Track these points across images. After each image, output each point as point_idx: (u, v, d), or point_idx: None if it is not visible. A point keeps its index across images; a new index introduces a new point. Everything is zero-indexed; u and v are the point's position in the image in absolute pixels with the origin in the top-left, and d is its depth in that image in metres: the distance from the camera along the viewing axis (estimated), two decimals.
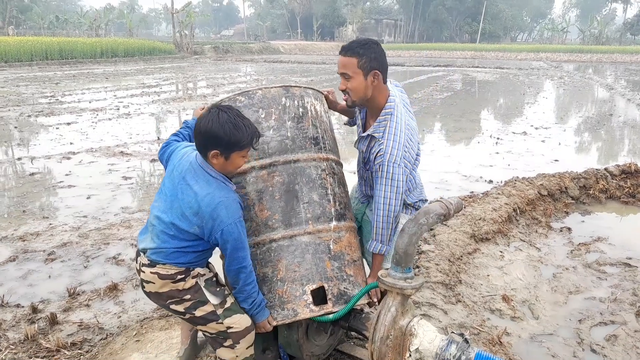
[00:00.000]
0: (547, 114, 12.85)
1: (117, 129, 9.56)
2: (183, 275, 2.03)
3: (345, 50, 2.27)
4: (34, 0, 74.31)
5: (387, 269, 2.14)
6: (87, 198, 5.60)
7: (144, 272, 2.04)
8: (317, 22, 76.61)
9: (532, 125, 10.78)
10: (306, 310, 2.10)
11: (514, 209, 5.18)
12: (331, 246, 2.22)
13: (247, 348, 2.15)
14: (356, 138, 2.57)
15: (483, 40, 72.89)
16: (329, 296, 2.14)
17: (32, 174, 6.57)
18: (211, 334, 2.12)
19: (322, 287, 2.14)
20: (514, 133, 9.94)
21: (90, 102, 13.53)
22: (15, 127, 9.76)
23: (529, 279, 3.95)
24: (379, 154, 2.30)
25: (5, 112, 11.49)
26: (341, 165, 2.53)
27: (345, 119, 2.84)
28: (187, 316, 2.09)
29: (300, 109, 2.34)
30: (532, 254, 4.43)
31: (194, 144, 2.02)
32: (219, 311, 2.07)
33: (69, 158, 7.36)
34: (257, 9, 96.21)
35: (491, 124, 11.37)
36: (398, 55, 48.08)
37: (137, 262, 2.11)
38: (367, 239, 2.67)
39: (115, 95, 14.89)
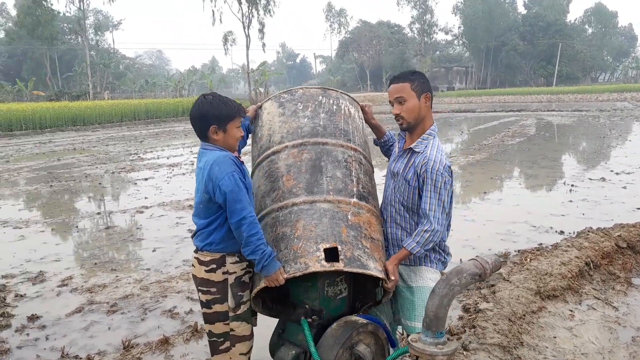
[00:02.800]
0: (630, 157, 11.95)
1: (190, 183, 10.06)
2: (215, 266, 2.27)
3: (397, 78, 2.53)
4: (128, 67, 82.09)
5: (419, 332, 2.03)
6: (153, 251, 5.88)
7: (192, 255, 2.39)
8: (387, 74, 77.93)
9: (612, 171, 10.05)
10: (317, 264, 2.14)
11: (586, 263, 4.77)
12: (349, 217, 2.31)
13: (240, 354, 2.36)
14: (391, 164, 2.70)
15: (560, 83, 70.32)
16: (341, 257, 2.16)
17: (108, 227, 7.04)
18: (213, 334, 2.34)
19: (336, 248, 2.18)
20: (590, 179, 9.31)
21: (168, 158, 14.44)
22: (100, 184, 10.58)
23: (603, 343, 3.57)
24: (423, 163, 2.42)
25: (94, 170, 12.53)
26: (371, 163, 2.69)
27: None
28: (204, 309, 2.34)
29: (334, 106, 2.61)
30: (608, 313, 4.02)
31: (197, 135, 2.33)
32: (231, 314, 2.30)
33: (141, 212, 7.82)
34: (328, 64, 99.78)
35: (566, 170, 10.74)
36: (469, 101, 47.39)
37: None
38: (404, 314, 2.57)
39: (191, 151, 15.81)
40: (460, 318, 3.91)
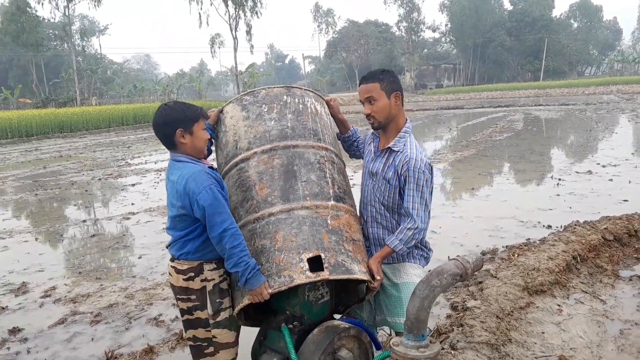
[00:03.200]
0: (616, 150, 12.03)
1: None
2: (193, 274, 2.25)
3: (367, 79, 2.50)
4: (116, 72, 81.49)
5: (400, 334, 1.99)
6: (139, 258, 5.80)
7: (168, 265, 2.37)
8: None
9: (598, 164, 10.11)
10: (302, 276, 2.09)
11: (573, 257, 4.76)
12: (329, 221, 2.26)
13: None
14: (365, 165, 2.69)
15: (547, 78, 70.77)
16: (326, 264, 2.13)
17: (93, 235, 6.94)
18: (197, 339, 2.33)
19: (319, 256, 2.14)
20: (577, 173, 9.35)
21: (155, 163, 14.33)
22: (86, 191, 10.45)
23: (591, 337, 3.55)
24: (404, 162, 2.41)
25: (80, 177, 12.39)
26: (342, 160, 2.65)
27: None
28: (185, 317, 2.32)
29: (300, 105, 2.54)
30: (595, 307, 4.02)
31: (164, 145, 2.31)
32: (211, 321, 2.28)
33: (128, 218, 7.73)
34: (317, 65, 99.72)
35: (553, 164, 10.79)
36: (457, 98, 47.60)
37: None
38: (390, 312, 2.54)
39: None
40: (448, 316, 3.88)
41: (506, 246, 5.40)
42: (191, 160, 2.25)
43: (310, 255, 2.13)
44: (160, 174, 12.05)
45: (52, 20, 61.41)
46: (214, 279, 2.28)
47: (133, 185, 10.78)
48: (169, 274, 2.35)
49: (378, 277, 2.32)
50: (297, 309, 2.27)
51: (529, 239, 5.62)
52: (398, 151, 2.47)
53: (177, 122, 2.20)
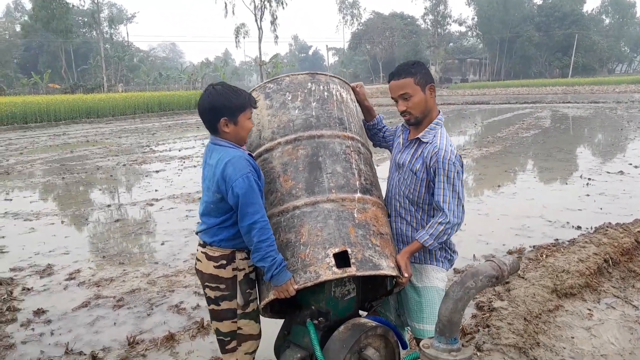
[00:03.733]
0: None
1: (200, 176, 9.96)
2: (225, 262, 2.19)
3: (398, 74, 2.39)
4: (142, 60, 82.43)
5: (431, 337, 1.92)
6: (162, 244, 5.83)
7: (197, 250, 2.30)
8: None
9: (630, 164, 9.79)
10: (328, 272, 2.03)
11: (605, 260, 4.61)
12: (355, 214, 2.19)
13: (245, 353, 2.31)
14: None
15: (576, 74, 69.04)
16: (352, 260, 2.06)
17: (117, 220, 7.01)
18: (220, 332, 2.27)
19: (345, 251, 2.08)
20: (608, 173, 9.06)
21: (179, 151, 14.43)
22: (111, 176, 10.58)
23: (623, 344, 3.42)
24: (433, 154, 2.32)
25: (105, 162, 12.55)
26: (369, 150, 2.57)
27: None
28: (212, 306, 2.26)
29: (325, 93, 2.45)
30: (628, 312, 3.87)
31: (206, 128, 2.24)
32: (239, 311, 2.23)
33: (151, 205, 7.79)
34: (340, 56, 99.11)
35: (582, 163, 10.49)
36: (483, 93, 46.78)
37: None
38: (410, 315, 2.46)
39: (203, 144, 15.80)
40: (474, 316, 3.79)
41: (534, 246, 5.26)
42: (232, 145, 2.19)
43: (337, 250, 2.07)
44: (184, 162, 12.13)
45: (81, 8, 62.25)
46: (244, 269, 2.25)
47: (157, 172, 10.87)
48: (197, 259, 2.29)
49: (406, 274, 2.24)
50: (323, 304, 2.22)
51: (557, 239, 5.47)
52: (427, 142, 2.38)
53: (222, 109, 2.13)
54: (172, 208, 7.55)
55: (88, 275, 4.90)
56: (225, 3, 51.94)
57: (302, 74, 2.50)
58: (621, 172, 9.00)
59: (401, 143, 2.55)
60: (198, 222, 2.39)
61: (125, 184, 9.95)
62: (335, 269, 2.03)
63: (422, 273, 2.45)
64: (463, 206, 2.36)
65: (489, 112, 25.57)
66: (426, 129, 2.40)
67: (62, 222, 7.01)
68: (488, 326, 3.49)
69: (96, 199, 8.50)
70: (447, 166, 2.30)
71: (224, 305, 2.23)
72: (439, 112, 2.47)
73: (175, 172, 10.65)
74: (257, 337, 2.34)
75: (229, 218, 2.17)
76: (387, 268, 2.14)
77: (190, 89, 55.92)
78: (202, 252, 2.25)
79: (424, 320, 2.39)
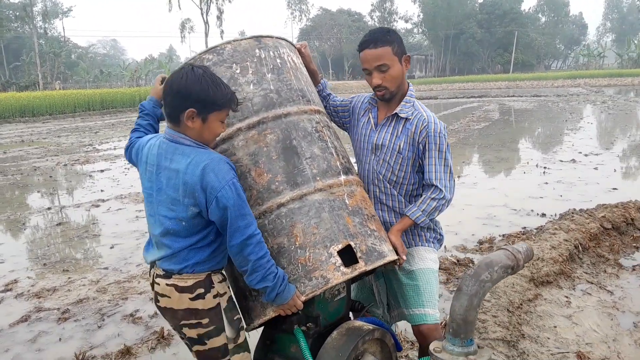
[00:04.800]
0: (594, 139, 12.09)
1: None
2: (203, 290, 1.75)
3: (374, 42, 2.09)
4: (81, 56, 78.64)
5: (442, 340, 1.68)
6: (111, 248, 5.33)
7: (158, 284, 1.79)
8: (348, 62, 77.70)
9: (580, 152, 10.07)
10: (337, 274, 1.75)
11: (575, 246, 4.57)
12: (347, 201, 1.92)
13: None
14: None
15: (516, 70, 71.93)
16: (359, 254, 1.81)
17: (59, 223, 6.41)
18: None
19: (349, 246, 1.81)
20: (561, 161, 9.27)
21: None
22: (50, 177, 9.81)
23: (605, 330, 3.34)
24: (423, 127, 2.12)
25: (43, 162, 11.66)
26: (331, 121, 2.32)
27: None
28: (196, 347, 1.82)
29: (278, 60, 2.05)
30: (604, 298, 3.82)
31: (164, 113, 1.79)
32: (231, 345, 1.85)
33: (97, 206, 7.21)
34: None
35: (535, 152, 10.72)
36: (430, 89, 47.72)
37: (150, 275, 1.86)
38: (407, 303, 2.22)
39: None
40: None
41: (503, 235, 5.19)
42: (198, 145, 1.74)
43: (340, 246, 1.79)
44: None
45: (11, 0, 58.51)
46: (226, 292, 1.85)
47: (102, 171, 10.18)
48: (160, 295, 1.79)
49: (403, 255, 2.04)
50: (312, 307, 1.92)
51: (525, 227, 5.42)
52: (406, 118, 2.16)
53: (194, 98, 1.67)
54: (120, 209, 7.00)
55: (27, 286, 4.37)
56: None
57: (245, 39, 2.04)
58: (573, 161, 9.22)
59: (373, 123, 2.28)
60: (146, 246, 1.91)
61: (67, 185, 9.22)
62: (344, 268, 1.75)
63: (413, 256, 2.24)
64: (454, 181, 2.19)
65: (438, 106, 25.97)
66: (402, 103, 2.19)
67: None
68: None
69: (34, 202, 7.80)
70: (439, 139, 2.12)
71: (211, 343, 1.79)
72: (409, 84, 2.25)
73: (122, 172, 10.01)
74: None
75: (206, 236, 1.75)
76: (389, 253, 1.92)
77: (134, 87, 53.79)
78: (167, 284, 1.76)
79: (424, 304, 2.18)
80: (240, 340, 1.88)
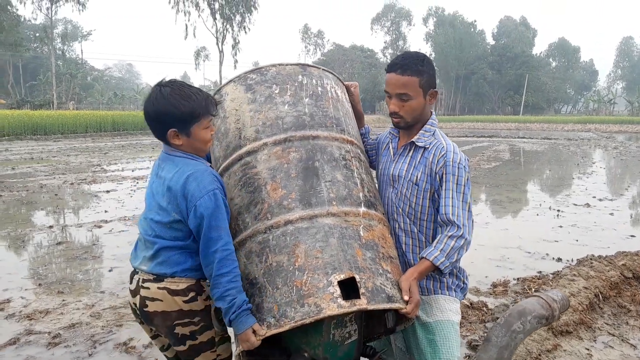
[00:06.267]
0: (608, 185, 11.89)
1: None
2: (194, 293, 1.80)
3: (404, 69, 1.96)
4: (96, 78, 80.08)
5: None
6: (109, 270, 5.16)
7: (147, 288, 1.78)
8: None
9: (594, 197, 9.86)
10: (333, 305, 1.60)
11: (595, 295, 4.34)
12: (361, 232, 1.80)
13: None
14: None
15: (526, 113, 72.34)
16: (362, 290, 1.65)
17: (59, 243, 6.25)
18: None
19: (353, 278, 1.66)
20: (575, 205, 9.05)
21: (133, 171, 13.62)
22: (56, 195, 9.71)
23: None
24: (440, 156, 1.98)
25: (50, 180, 11.60)
26: (368, 158, 2.19)
27: None
28: (188, 343, 1.82)
29: (319, 88, 2.07)
30: (627, 353, 3.57)
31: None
32: (217, 339, 1.89)
33: (100, 227, 7.06)
34: None
35: (548, 194, 10.51)
36: (440, 127, 47.86)
37: (132, 283, 1.86)
38: (422, 358, 2.02)
39: None
40: (467, 357, 3.38)
41: (517, 278, 4.96)
42: (191, 156, 1.82)
43: (342, 277, 1.64)
44: (137, 182, 11.37)
45: (33, 21, 60.07)
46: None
47: (108, 192, 10.08)
48: (148, 299, 1.78)
49: (414, 302, 1.75)
50: (320, 350, 1.74)
51: (540, 271, 5.19)
52: (424, 147, 2.03)
53: (169, 119, 1.75)
54: (123, 231, 6.85)
55: (19, 307, 4.19)
56: (186, 25, 51.47)
57: (290, 65, 2.10)
58: (588, 205, 9.00)
59: (392, 153, 2.16)
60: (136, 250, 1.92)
61: (72, 203, 9.11)
62: (341, 300, 1.59)
63: (432, 305, 2.03)
64: (473, 222, 1.97)
65: None
66: (421, 132, 2.08)
67: None
68: None
69: (37, 220, 7.67)
70: (457, 171, 1.94)
71: (202, 337, 1.84)
72: (432, 113, 2.14)
73: (128, 193, 9.90)
74: (231, 355, 1.98)
75: (186, 244, 1.79)
76: (401, 301, 1.73)
77: None
78: (158, 288, 1.77)
79: None
80: (226, 333, 1.93)
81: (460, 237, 1.86)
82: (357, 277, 1.65)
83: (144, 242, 1.85)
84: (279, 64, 2.09)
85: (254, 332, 1.65)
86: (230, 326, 1.72)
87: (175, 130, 1.75)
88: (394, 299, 1.70)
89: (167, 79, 1.82)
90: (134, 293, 1.83)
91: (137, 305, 1.82)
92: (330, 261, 1.68)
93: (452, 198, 1.91)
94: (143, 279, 1.81)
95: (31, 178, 11.94)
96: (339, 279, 1.64)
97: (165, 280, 1.77)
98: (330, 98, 2.07)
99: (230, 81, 2.12)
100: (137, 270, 1.86)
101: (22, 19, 54.10)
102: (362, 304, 1.61)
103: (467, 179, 1.96)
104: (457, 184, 1.93)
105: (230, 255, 1.70)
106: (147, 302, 1.78)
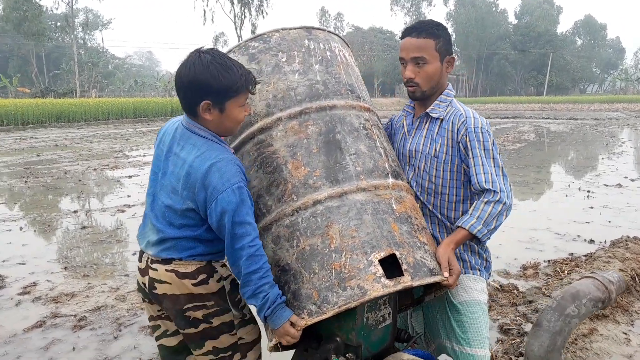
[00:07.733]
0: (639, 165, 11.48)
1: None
2: (205, 275, 1.68)
3: (419, 31, 1.86)
4: (117, 66, 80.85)
5: None
6: (133, 254, 5.16)
7: (155, 269, 1.68)
8: (378, 80, 77.61)
9: (626, 177, 9.53)
10: (377, 285, 1.51)
11: (632, 277, 4.16)
12: (394, 206, 1.70)
13: None
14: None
15: (550, 93, 70.61)
16: (404, 266, 1.56)
17: (84, 227, 6.30)
18: (219, 350, 1.73)
19: (393, 255, 1.57)
20: (606, 185, 8.76)
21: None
22: (80, 180, 9.81)
23: None
24: (460, 123, 1.86)
25: (74, 166, 11.73)
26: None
27: None
28: (201, 327, 1.69)
29: (328, 52, 1.92)
30: None
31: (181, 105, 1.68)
32: (236, 322, 1.77)
33: (123, 211, 7.09)
34: None
35: (576, 175, 10.21)
36: None
37: (141, 261, 1.76)
38: (450, 337, 1.93)
39: None
40: (500, 342, 3.27)
41: (548, 260, 4.80)
42: (215, 137, 1.65)
43: (382, 254, 1.55)
44: None
45: (54, 11, 60.71)
46: (229, 275, 1.76)
47: (130, 177, 10.14)
48: (157, 281, 1.67)
49: (455, 272, 1.66)
50: (353, 335, 1.65)
51: (571, 253, 5.02)
52: (441, 118, 1.91)
53: (206, 89, 1.57)
54: None
55: (45, 290, 4.21)
56: (205, 10, 51.44)
57: (294, 28, 1.93)
58: (619, 185, 8.70)
59: (406, 130, 2.05)
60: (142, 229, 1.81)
61: (96, 189, 9.19)
62: (385, 280, 1.49)
63: (458, 285, 1.92)
64: (510, 184, 1.84)
65: None
66: (435, 102, 1.96)
67: (21, 228, 6.24)
68: (522, 354, 2.97)
69: (62, 204, 7.75)
70: (482, 136, 1.82)
71: (217, 321, 1.71)
72: (448, 83, 2.01)
73: None
74: (259, 339, 1.87)
75: (202, 232, 1.65)
76: (441, 273, 1.64)
77: (166, 97, 54.88)
78: (166, 270, 1.66)
79: (470, 343, 1.87)
80: (247, 316, 1.81)
81: (498, 201, 1.73)
82: (398, 254, 1.56)
83: (151, 223, 1.73)
84: (282, 29, 1.93)
85: (292, 324, 1.56)
86: (265, 322, 1.62)
87: (210, 102, 1.59)
88: (435, 272, 1.61)
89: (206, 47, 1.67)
90: (143, 272, 1.74)
91: (146, 285, 1.72)
92: (367, 239, 1.58)
93: (483, 165, 1.79)
94: (152, 259, 1.71)
95: (56, 164, 12.09)
96: (379, 258, 1.54)
97: (173, 262, 1.66)
98: (341, 63, 1.93)
99: (230, 51, 1.94)
100: (143, 251, 1.77)
101: (44, 9, 54.68)
102: (406, 281, 1.51)
103: (494, 142, 1.85)
104: (484, 149, 1.81)
105: (259, 250, 1.58)
106: (156, 285, 1.69)
